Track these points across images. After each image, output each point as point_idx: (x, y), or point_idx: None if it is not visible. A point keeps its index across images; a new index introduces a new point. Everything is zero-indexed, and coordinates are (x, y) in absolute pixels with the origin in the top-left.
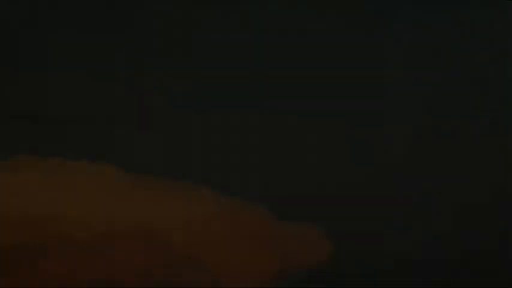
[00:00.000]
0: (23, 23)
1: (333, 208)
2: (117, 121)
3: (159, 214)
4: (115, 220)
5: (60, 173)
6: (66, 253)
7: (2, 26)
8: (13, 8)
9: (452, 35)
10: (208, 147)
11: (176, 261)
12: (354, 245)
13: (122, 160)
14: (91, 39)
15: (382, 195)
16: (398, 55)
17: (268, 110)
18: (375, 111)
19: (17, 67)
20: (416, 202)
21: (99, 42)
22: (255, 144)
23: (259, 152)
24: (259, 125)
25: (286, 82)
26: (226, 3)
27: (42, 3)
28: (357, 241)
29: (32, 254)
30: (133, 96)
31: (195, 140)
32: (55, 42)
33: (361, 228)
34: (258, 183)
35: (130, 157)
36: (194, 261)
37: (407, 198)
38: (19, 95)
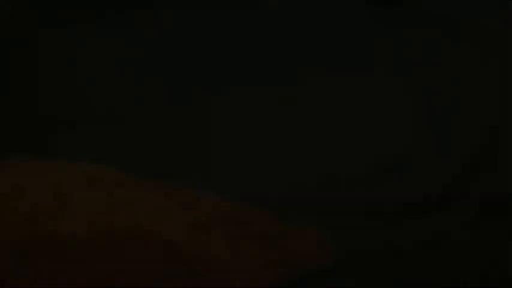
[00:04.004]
0: (21, 24)
1: (334, 209)
2: (117, 121)
3: (159, 214)
4: (115, 220)
5: (60, 173)
6: (67, 253)
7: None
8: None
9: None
10: (208, 147)
11: (176, 261)
12: (355, 245)
13: (122, 160)
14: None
15: (383, 195)
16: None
17: (270, 110)
18: (374, 110)
19: (15, 69)
20: (416, 200)
21: (99, 43)
22: (256, 144)
23: (261, 152)
24: (260, 125)
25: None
26: None
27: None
28: (358, 241)
29: (32, 253)
30: (133, 96)
31: (196, 140)
32: (52, 43)
33: (363, 228)
34: (259, 185)
35: (131, 157)
36: (194, 261)
37: (406, 196)
38: (19, 95)
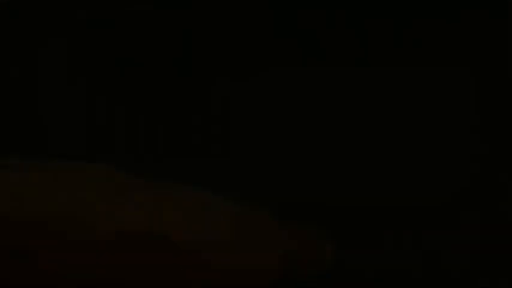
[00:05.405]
0: (21, 23)
1: (334, 209)
2: (117, 120)
3: (159, 214)
4: (115, 220)
5: (60, 173)
6: (67, 253)
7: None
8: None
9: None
10: (209, 147)
11: (177, 261)
12: (355, 246)
13: (123, 160)
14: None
15: (384, 196)
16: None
17: (271, 111)
18: (373, 111)
19: (17, 68)
20: (416, 201)
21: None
22: (256, 144)
23: (261, 152)
24: (262, 127)
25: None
26: None
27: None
28: (358, 243)
29: (33, 254)
30: (133, 95)
31: (195, 140)
32: (55, 43)
33: (362, 229)
34: (259, 185)
35: (131, 157)
36: (195, 261)
37: (407, 198)
38: (19, 95)
